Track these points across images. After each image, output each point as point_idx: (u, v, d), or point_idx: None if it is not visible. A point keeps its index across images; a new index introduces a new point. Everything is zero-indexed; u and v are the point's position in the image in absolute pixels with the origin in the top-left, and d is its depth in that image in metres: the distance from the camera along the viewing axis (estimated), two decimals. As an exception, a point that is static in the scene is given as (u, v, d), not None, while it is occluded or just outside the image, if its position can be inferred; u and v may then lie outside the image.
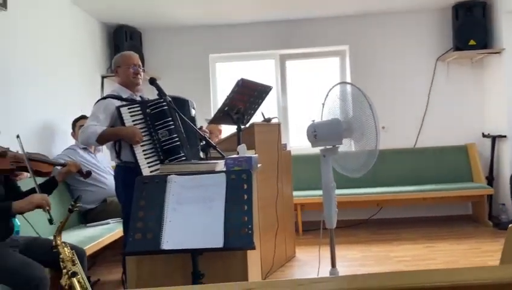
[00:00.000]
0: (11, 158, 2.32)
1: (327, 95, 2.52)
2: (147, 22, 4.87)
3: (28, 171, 2.38)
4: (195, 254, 1.56)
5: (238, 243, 1.50)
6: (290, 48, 5.13)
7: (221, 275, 1.69)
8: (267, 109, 3.52)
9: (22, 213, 2.23)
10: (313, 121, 2.46)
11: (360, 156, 2.33)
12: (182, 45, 5.11)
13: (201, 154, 2.74)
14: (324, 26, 5.02)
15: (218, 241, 1.48)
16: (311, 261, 3.51)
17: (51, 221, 2.19)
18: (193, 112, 2.79)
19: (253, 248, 1.50)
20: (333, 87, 2.50)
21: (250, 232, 1.51)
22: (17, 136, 2.30)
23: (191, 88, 4.79)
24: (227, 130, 3.87)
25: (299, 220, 4.51)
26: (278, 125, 3.62)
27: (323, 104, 2.55)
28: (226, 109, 2.88)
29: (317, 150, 2.49)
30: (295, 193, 3.95)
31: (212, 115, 3.25)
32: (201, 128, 2.84)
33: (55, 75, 3.78)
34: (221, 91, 5.17)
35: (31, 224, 2.43)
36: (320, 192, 2.49)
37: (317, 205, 3.34)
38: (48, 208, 2.20)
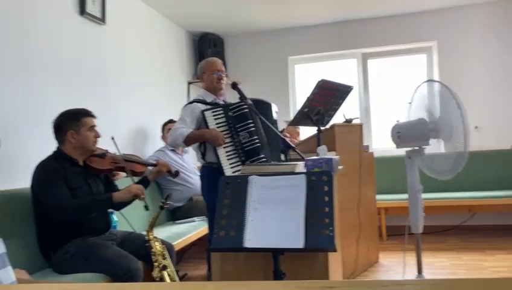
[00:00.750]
0: (109, 159, 2.56)
1: (413, 94, 2.41)
2: (228, 29, 5.05)
3: (124, 171, 2.60)
4: (276, 253, 1.59)
5: (319, 245, 1.50)
6: (372, 46, 4.99)
7: (302, 275, 1.70)
8: (348, 109, 3.46)
9: (121, 202, 2.44)
10: (398, 121, 2.37)
11: (449, 158, 2.20)
12: (261, 49, 5.22)
13: (282, 157, 2.79)
14: (409, 22, 4.80)
15: (298, 242, 1.50)
16: (395, 267, 3.37)
17: (146, 207, 2.40)
18: (275, 115, 2.85)
19: (335, 250, 1.49)
20: (420, 85, 2.39)
21: (331, 234, 1.50)
22: (112, 138, 2.52)
23: (271, 91, 4.87)
24: (307, 132, 3.87)
25: (382, 224, 4.36)
26: (360, 126, 3.53)
27: (410, 103, 2.45)
28: (305, 110, 2.89)
29: (402, 151, 2.40)
30: (378, 197, 3.82)
31: (292, 117, 3.27)
32: (282, 131, 2.89)
33: (146, 82, 4.08)
34: (301, 93, 5.19)
35: (127, 220, 2.64)
36: (405, 196, 2.39)
37: (402, 210, 3.20)
38: (143, 196, 2.39)
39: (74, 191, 2.30)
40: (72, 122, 2.37)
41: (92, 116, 2.44)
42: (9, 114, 2.55)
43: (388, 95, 4.99)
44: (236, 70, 5.15)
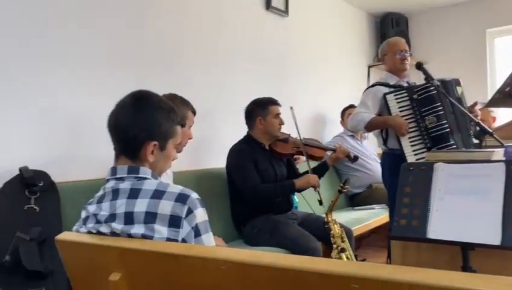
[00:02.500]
0: (291, 144, 2.72)
1: None
2: (412, 6, 4.70)
3: (304, 156, 2.72)
4: (465, 247, 1.44)
5: (521, 243, 1.29)
6: None
7: (497, 275, 1.50)
8: None
9: (299, 190, 2.58)
10: None
11: None
12: (451, 24, 4.70)
13: (474, 142, 2.48)
14: None
15: (494, 238, 1.33)
16: None
17: (320, 202, 2.47)
18: (459, 90, 2.54)
19: (542, 252, 1.27)
20: None
21: (537, 232, 1.28)
22: (291, 108, 2.66)
23: (463, 69, 4.35)
24: (504, 117, 3.35)
25: None
26: None
27: None
28: (507, 89, 2.49)
29: None
30: None
31: (488, 99, 2.87)
32: (475, 104, 2.56)
33: (326, 68, 4.14)
34: (502, 70, 4.49)
35: (307, 202, 2.77)
36: None
37: None
38: (318, 188, 2.48)
39: (261, 173, 2.52)
40: (260, 110, 2.60)
41: (278, 104, 2.64)
42: (209, 103, 2.93)
43: None
44: (421, 50, 4.78)
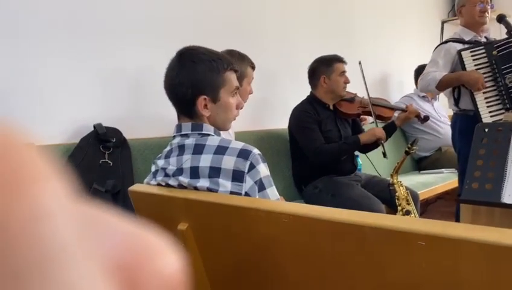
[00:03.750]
0: (357, 103, 2.63)
1: None
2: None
3: (372, 116, 2.63)
4: (545, 214, 1.34)
5: None
6: None
7: None
8: None
9: (366, 146, 2.52)
10: None
11: None
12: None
13: None
14: None
15: None
16: None
17: (384, 154, 2.40)
18: None
19: None
20: None
21: None
22: (359, 62, 2.55)
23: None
24: None
25: None
26: None
27: None
28: None
29: None
30: None
31: None
32: None
33: (394, 23, 3.90)
34: None
35: (372, 163, 2.71)
36: None
37: None
38: (383, 141, 2.40)
39: (325, 134, 2.48)
40: (324, 68, 2.53)
41: (343, 62, 2.54)
42: (271, 61, 2.90)
43: None
44: (505, 2, 4.33)
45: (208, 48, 1.20)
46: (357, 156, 2.73)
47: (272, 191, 1.09)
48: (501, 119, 2.13)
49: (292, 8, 3.02)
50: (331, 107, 2.59)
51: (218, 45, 1.97)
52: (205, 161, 1.09)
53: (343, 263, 0.78)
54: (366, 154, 2.70)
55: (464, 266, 0.62)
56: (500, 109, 2.30)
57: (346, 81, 2.53)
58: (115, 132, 2.04)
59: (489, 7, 2.51)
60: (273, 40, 2.91)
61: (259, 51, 2.76)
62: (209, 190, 1.06)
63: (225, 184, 1.06)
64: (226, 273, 1.02)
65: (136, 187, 1.20)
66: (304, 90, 2.66)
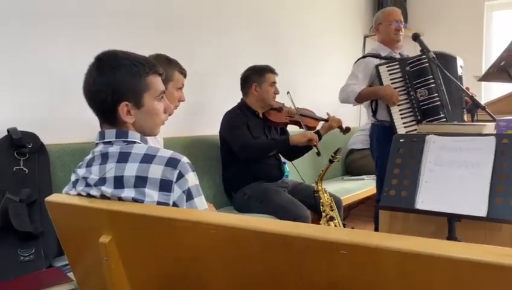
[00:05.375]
0: (285, 113, 2.71)
1: None
2: (412, -25, 4.61)
3: (298, 125, 2.72)
4: (452, 218, 1.47)
5: (506, 215, 1.32)
6: None
7: (481, 246, 1.54)
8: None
9: (295, 150, 2.59)
10: None
11: None
12: (450, -5, 4.63)
13: (465, 117, 2.49)
14: None
15: (480, 210, 1.35)
16: None
17: (318, 153, 2.50)
18: (460, 70, 2.54)
19: (526, 224, 1.30)
20: None
21: (522, 205, 1.30)
22: (288, 92, 2.65)
23: (460, 43, 4.32)
24: (503, 89, 3.35)
25: None
26: None
27: None
28: (502, 63, 2.49)
29: None
30: None
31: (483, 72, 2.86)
32: (467, 89, 2.56)
33: (322, 38, 4.07)
34: (498, 45, 4.46)
35: (298, 171, 2.79)
36: None
37: None
38: (315, 143, 2.49)
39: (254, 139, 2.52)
40: (256, 77, 2.59)
41: (275, 73, 2.62)
42: (204, 67, 2.87)
43: None
44: (418, 22, 4.71)
45: (129, 51, 1.14)
46: (285, 163, 2.80)
47: (200, 201, 1.07)
48: (415, 130, 2.31)
49: (226, 16, 3.03)
50: (261, 115, 2.65)
51: (150, 47, 1.93)
52: (131, 170, 1.05)
53: (271, 272, 0.79)
54: (292, 162, 2.78)
55: (384, 273, 0.66)
56: (412, 121, 2.48)
57: (276, 92, 2.61)
58: (31, 137, 1.89)
59: (402, 26, 2.72)
60: (205, 46, 2.89)
61: (191, 56, 2.73)
62: (134, 200, 1.03)
63: (152, 194, 1.02)
64: (152, 287, 0.99)
65: (54, 197, 1.12)
66: (235, 97, 2.69)
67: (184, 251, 0.88)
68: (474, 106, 2.33)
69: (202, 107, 2.88)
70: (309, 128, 2.73)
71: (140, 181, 1.03)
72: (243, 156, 2.47)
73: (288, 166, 2.89)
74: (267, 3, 3.42)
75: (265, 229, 0.76)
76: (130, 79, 1.09)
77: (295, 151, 2.65)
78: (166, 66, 1.84)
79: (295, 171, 2.83)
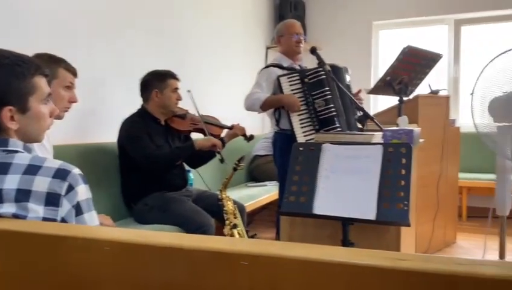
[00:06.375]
0: (189, 120, 2.66)
1: (486, 66, 2.15)
2: (311, -8, 4.88)
3: (203, 133, 2.69)
4: (346, 222, 1.56)
5: (392, 218, 1.44)
6: (467, 12, 4.54)
7: (371, 247, 1.66)
8: (435, 79, 3.23)
9: (200, 157, 2.56)
10: (471, 94, 2.16)
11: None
12: (344, 13, 4.99)
13: (358, 125, 2.69)
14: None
15: (370, 213, 1.46)
16: (474, 250, 3.18)
17: (222, 160, 2.49)
18: (348, 78, 2.73)
19: (408, 225, 1.43)
20: (498, 56, 2.12)
21: (406, 208, 1.43)
22: (188, 91, 2.59)
23: (352, 58, 4.67)
24: (388, 102, 3.69)
25: (463, 204, 4.10)
26: (447, 98, 3.29)
27: (471, 94, 2.19)
28: (387, 78, 2.74)
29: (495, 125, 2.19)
30: (461, 175, 3.57)
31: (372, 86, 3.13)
32: (359, 91, 2.77)
33: (224, 47, 4.11)
34: (384, 61, 4.92)
35: (202, 178, 2.76)
36: (491, 176, 2.21)
37: (487, 190, 2.98)
38: (219, 149, 2.49)
39: (156, 148, 2.43)
40: (158, 82, 2.49)
41: (177, 79, 2.55)
42: (100, 71, 2.72)
43: (482, 66, 4.56)
44: (316, 36, 5.00)
45: (12, 50, 1.03)
46: (189, 171, 2.76)
47: (91, 217, 0.99)
48: (313, 139, 2.42)
49: (126, 17, 2.90)
50: (163, 122, 2.57)
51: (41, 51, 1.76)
52: (11, 182, 0.94)
53: (173, 289, 0.75)
54: (197, 170, 2.75)
55: (284, 281, 0.67)
56: (311, 130, 2.61)
57: (179, 98, 2.55)
58: None
59: (302, 39, 2.87)
60: (103, 50, 2.73)
61: (88, 60, 2.56)
62: (15, 216, 0.92)
63: (36, 209, 0.92)
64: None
65: None
66: (135, 103, 2.57)
67: (76, 272, 0.81)
68: (364, 116, 2.53)
69: (99, 113, 2.71)
70: (213, 136, 2.72)
71: (23, 195, 0.92)
72: (148, 169, 2.37)
73: (193, 174, 2.85)
74: (169, 11, 3.36)
75: (165, 243, 0.73)
76: (14, 81, 0.99)
77: (199, 159, 2.62)
78: (49, 64, 1.66)
79: (200, 179, 2.79)
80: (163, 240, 0.73)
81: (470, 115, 2.17)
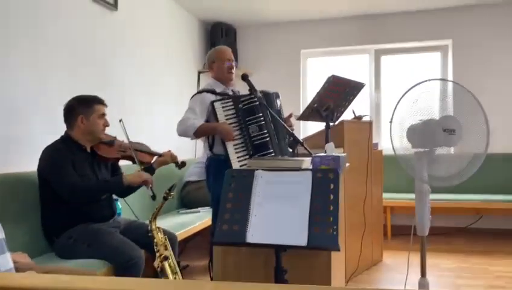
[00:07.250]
0: (117, 147, 2.55)
1: (403, 96, 2.33)
2: (241, 19, 5.00)
3: (131, 160, 2.59)
4: (278, 249, 1.57)
5: (322, 243, 1.47)
6: (386, 43, 4.91)
7: (304, 273, 1.68)
8: (359, 106, 3.42)
9: (128, 188, 2.45)
10: (390, 122, 2.31)
11: (462, 159, 2.15)
12: (274, 40, 5.17)
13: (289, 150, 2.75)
14: (425, 19, 4.72)
15: (302, 240, 1.48)
16: (399, 267, 3.34)
17: (153, 197, 2.40)
18: (278, 103, 2.80)
19: (338, 249, 1.47)
20: (413, 87, 2.31)
21: (335, 233, 1.47)
22: (120, 120, 2.51)
23: (282, 84, 4.82)
24: (316, 127, 3.84)
25: (388, 223, 4.33)
26: (370, 123, 3.50)
27: (390, 122, 2.37)
28: (315, 105, 2.85)
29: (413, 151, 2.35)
30: (385, 195, 3.78)
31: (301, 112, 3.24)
32: (290, 115, 2.84)
33: (155, 70, 4.05)
34: (312, 87, 5.14)
35: (131, 208, 2.64)
36: (412, 195, 2.36)
37: (409, 209, 3.17)
38: (151, 185, 2.40)
39: (80, 178, 2.29)
40: (83, 108, 2.37)
41: (104, 104, 2.44)
42: (19, 98, 2.54)
43: (400, 93, 4.91)
44: (247, 62, 5.11)
45: None
46: (117, 200, 2.63)
47: (4, 260, 0.90)
48: (246, 164, 2.43)
49: (44, 43, 2.76)
50: (88, 150, 2.44)
51: None
52: None
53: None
54: (125, 198, 2.63)
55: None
56: (245, 155, 2.63)
57: (106, 124, 2.44)
58: None
59: (234, 65, 2.90)
60: (20, 73, 2.56)
61: (9, 86, 2.39)
62: None
63: None
64: None
65: None
66: (57, 130, 2.42)
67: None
68: (294, 142, 2.60)
69: (16, 140, 2.52)
70: (143, 163, 2.63)
71: None
72: (71, 200, 2.23)
73: (121, 203, 2.72)
74: (98, 35, 3.25)
75: (80, 287, 0.67)
76: None
77: (127, 188, 2.50)
78: None
79: (128, 208, 2.68)
80: (80, 284, 0.68)
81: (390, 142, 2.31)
